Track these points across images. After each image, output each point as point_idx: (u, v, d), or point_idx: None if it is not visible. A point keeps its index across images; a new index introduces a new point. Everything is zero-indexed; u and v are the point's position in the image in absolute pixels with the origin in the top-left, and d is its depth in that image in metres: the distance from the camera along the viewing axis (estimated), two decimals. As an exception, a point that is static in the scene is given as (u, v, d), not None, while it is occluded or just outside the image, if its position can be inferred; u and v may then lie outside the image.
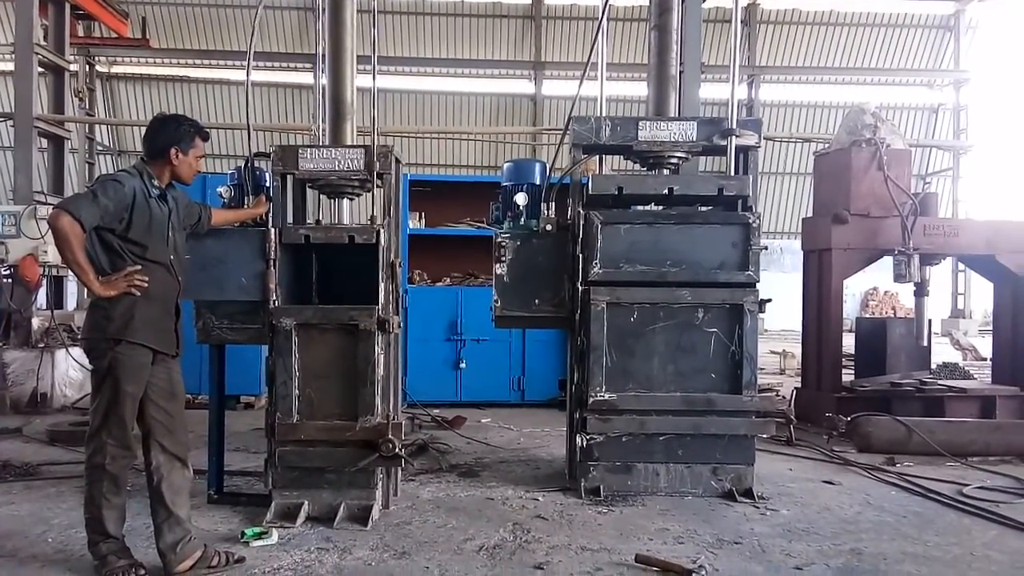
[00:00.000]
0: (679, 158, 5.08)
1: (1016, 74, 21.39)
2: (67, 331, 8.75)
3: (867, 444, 6.00)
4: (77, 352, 8.34)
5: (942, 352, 11.92)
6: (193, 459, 5.15)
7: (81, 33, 17.22)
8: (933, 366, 8.15)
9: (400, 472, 4.72)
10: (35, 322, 8.44)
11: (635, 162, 5.28)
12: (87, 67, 18.36)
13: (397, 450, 4.18)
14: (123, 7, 17.51)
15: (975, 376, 8.50)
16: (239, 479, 4.97)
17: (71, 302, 15.87)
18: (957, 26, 20.72)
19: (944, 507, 4.62)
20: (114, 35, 17.43)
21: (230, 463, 4.93)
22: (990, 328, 8.48)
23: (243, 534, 3.88)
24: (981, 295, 18.62)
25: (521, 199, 5.12)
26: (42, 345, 8.08)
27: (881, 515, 4.46)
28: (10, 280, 8.25)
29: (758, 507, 4.55)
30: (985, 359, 10.94)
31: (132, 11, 18.56)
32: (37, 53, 10.69)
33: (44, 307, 9.43)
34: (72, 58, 13.13)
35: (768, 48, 21.15)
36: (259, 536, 3.84)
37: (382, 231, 4.38)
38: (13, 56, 10.73)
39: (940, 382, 7.41)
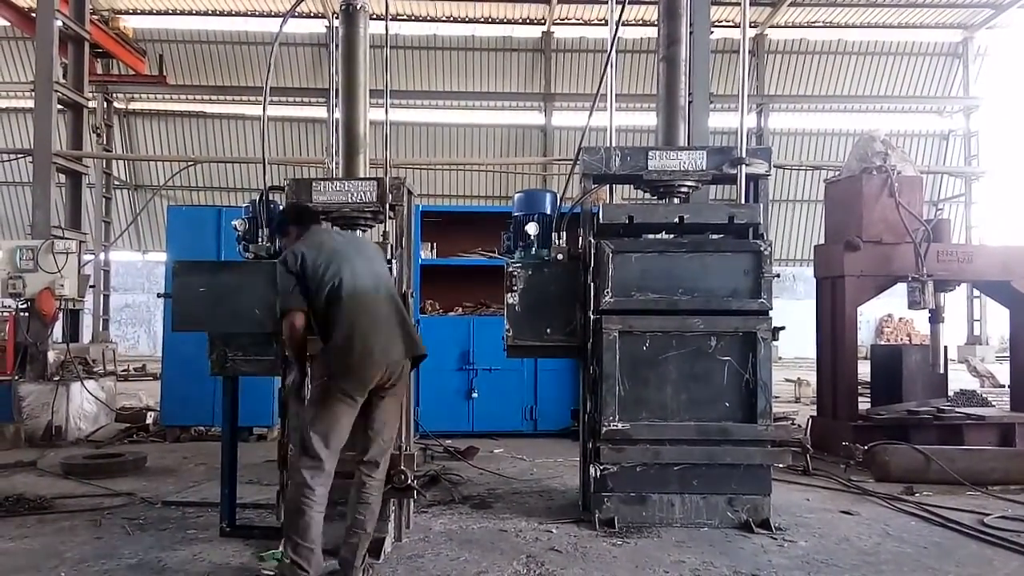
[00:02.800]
0: (689, 187, 5.11)
1: (1026, 100, 21.34)
2: (82, 364, 8.82)
3: (885, 473, 5.92)
4: (92, 385, 8.41)
5: (959, 379, 11.76)
6: (206, 491, 5.18)
7: (100, 71, 17.61)
8: (950, 393, 8.05)
9: (412, 504, 4.68)
10: (51, 355, 8.51)
11: (645, 191, 5.31)
12: (105, 104, 18.72)
13: (409, 481, 4.17)
14: (141, 45, 17.92)
15: (993, 403, 8.38)
16: (251, 512, 4.96)
17: (87, 335, 16.03)
18: (966, 53, 20.82)
19: (965, 537, 4.54)
20: (132, 72, 17.81)
21: (243, 495, 4.93)
22: (1007, 354, 8.37)
23: (261, 558, 3.90)
24: (997, 321, 18.45)
25: (532, 229, 5.15)
26: (57, 378, 8.14)
27: (901, 546, 4.38)
28: (27, 313, 8.34)
29: (775, 538, 4.49)
30: (1003, 386, 10.79)
31: (149, 49, 18.97)
32: (56, 91, 10.90)
33: (60, 340, 9.51)
34: (90, 95, 13.39)
35: (777, 77, 21.30)
36: (276, 559, 3.86)
37: (394, 262, 4.42)
38: (33, 93, 10.94)
39: (958, 410, 7.31)
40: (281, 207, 4.66)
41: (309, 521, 3.55)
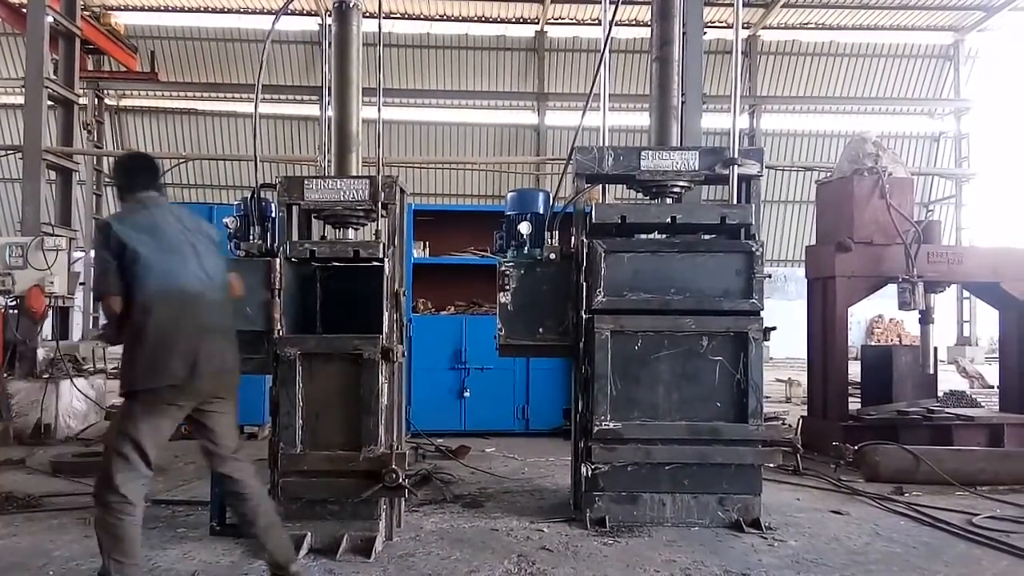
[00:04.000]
0: (682, 187, 5.12)
1: (1017, 102, 21.46)
2: (72, 362, 8.77)
3: (875, 473, 5.95)
4: (82, 383, 8.37)
5: (948, 380, 11.85)
6: (195, 490, 5.16)
7: (91, 67, 17.51)
8: (940, 394, 8.09)
9: (404, 503, 4.68)
10: (40, 353, 8.46)
11: (638, 191, 5.32)
12: (96, 100, 18.64)
13: (401, 480, 4.16)
14: (132, 41, 17.84)
15: (982, 404, 8.44)
16: (242, 510, 4.93)
17: (76, 333, 15.94)
18: (957, 56, 20.94)
19: (954, 537, 4.56)
20: (123, 69, 17.72)
21: (233, 494, 4.90)
22: (996, 355, 8.42)
23: None
24: (987, 322, 18.57)
25: (525, 228, 5.15)
26: (47, 376, 8.08)
27: (890, 546, 4.40)
28: (16, 311, 8.28)
29: (765, 538, 4.50)
30: (992, 387, 10.86)
31: (141, 45, 18.88)
32: (47, 87, 10.85)
33: (49, 338, 9.45)
34: (81, 91, 13.31)
35: (769, 78, 21.37)
36: None
37: (386, 260, 4.41)
38: (23, 90, 10.88)
39: (947, 410, 7.35)
40: (274, 206, 4.64)
41: (132, 539, 3.19)
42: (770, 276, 4.91)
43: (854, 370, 7.79)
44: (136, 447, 3.21)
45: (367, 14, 5.04)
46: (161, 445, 3.32)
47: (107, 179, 19.61)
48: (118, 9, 18.98)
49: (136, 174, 3.53)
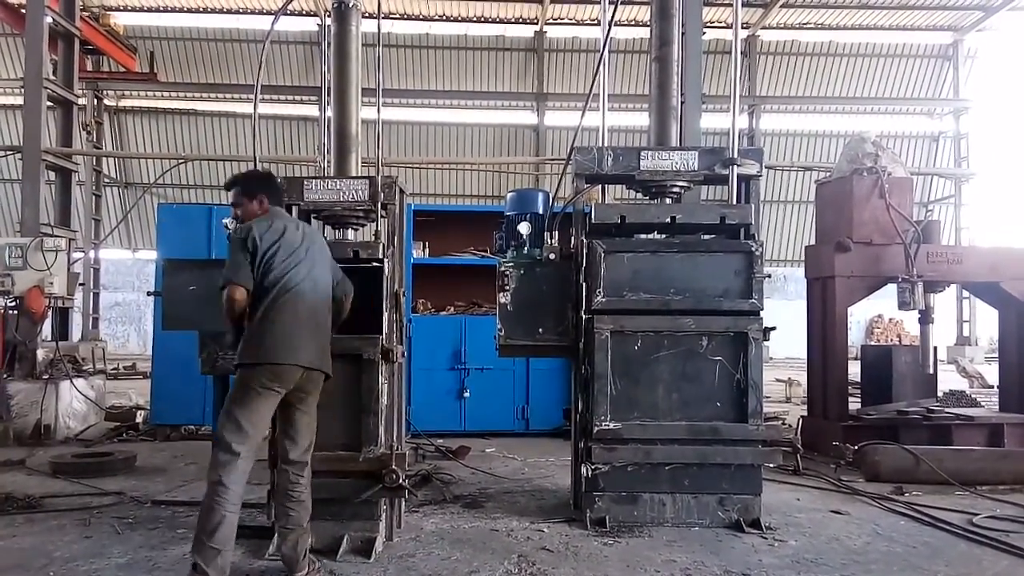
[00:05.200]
0: (681, 187, 5.12)
1: (1016, 102, 21.48)
2: (72, 362, 8.77)
3: (875, 473, 5.95)
4: (82, 384, 8.37)
5: (948, 380, 11.86)
6: (195, 490, 5.15)
7: (90, 68, 17.49)
8: (939, 394, 8.10)
9: (404, 503, 4.68)
10: (40, 354, 8.45)
11: (637, 191, 5.32)
12: (95, 101, 18.60)
13: (401, 481, 4.16)
14: (131, 42, 17.81)
15: (982, 404, 8.45)
16: (241, 511, 4.92)
17: (76, 334, 15.94)
18: (956, 55, 20.94)
19: (954, 537, 4.56)
20: (122, 69, 17.70)
21: (233, 495, 4.90)
22: (996, 355, 8.43)
23: None
24: (987, 322, 18.58)
25: (524, 228, 5.16)
26: (46, 377, 8.08)
27: (891, 546, 4.40)
28: (16, 312, 8.28)
29: (766, 538, 4.50)
30: (992, 386, 10.87)
31: (140, 46, 18.87)
32: (46, 87, 10.84)
33: (49, 339, 9.45)
34: (80, 92, 13.30)
35: (768, 78, 21.37)
36: None
37: (386, 260, 4.41)
38: (23, 90, 10.88)
39: (947, 410, 7.36)
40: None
41: (220, 521, 3.41)
42: (770, 276, 4.91)
43: (854, 370, 7.79)
44: (239, 427, 3.50)
45: (366, 14, 5.04)
46: (262, 429, 3.61)
47: (107, 180, 19.60)
48: (117, 9, 18.97)
49: (275, 189, 4.01)
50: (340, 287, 4.04)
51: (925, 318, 6.98)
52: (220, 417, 3.62)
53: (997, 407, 7.79)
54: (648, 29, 5.54)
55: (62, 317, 9.89)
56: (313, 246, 3.88)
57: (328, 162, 5.03)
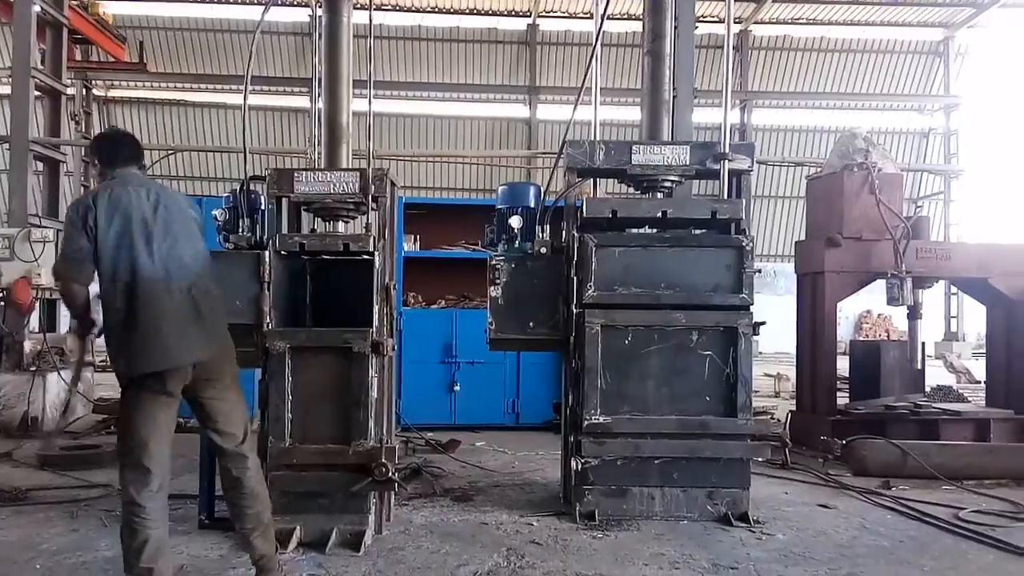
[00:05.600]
0: (673, 182, 5.11)
1: (1005, 99, 21.60)
2: (59, 354, 8.70)
3: (862, 467, 5.98)
4: (68, 375, 8.30)
5: (936, 375, 11.93)
6: (184, 484, 5.14)
7: (79, 57, 17.31)
8: (927, 389, 8.15)
9: (393, 497, 4.67)
10: (27, 345, 8.39)
11: (629, 185, 5.32)
12: (84, 91, 18.44)
13: (390, 474, 4.16)
14: (121, 32, 17.63)
15: (969, 399, 8.50)
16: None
17: (64, 325, 15.82)
18: (946, 52, 21.01)
19: (940, 531, 4.60)
20: (111, 59, 17.54)
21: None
22: (983, 351, 8.48)
23: None
24: (974, 318, 18.66)
25: (516, 222, 5.14)
26: (34, 369, 8.03)
27: (877, 539, 4.43)
28: (2, 303, 8.21)
29: (754, 531, 4.52)
30: (979, 382, 10.95)
31: (130, 35, 18.69)
32: (34, 77, 10.74)
33: (36, 330, 9.37)
34: (69, 82, 13.19)
35: (760, 73, 21.40)
36: None
37: (376, 253, 4.39)
38: (10, 80, 10.77)
39: (934, 405, 7.40)
40: (263, 198, 4.61)
41: (145, 540, 3.11)
42: (760, 271, 4.93)
43: (842, 365, 7.82)
44: (137, 446, 3.17)
45: (358, 5, 5.03)
46: (163, 434, 3.24)
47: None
48: (106, -1, 18.79)
49: (119, 148, 3.45)
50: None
51: (913, 314, 7.02)
52: (118, 433, 3.33)
53: (984, 402, 7.85)
54: (641, 23, 5.53)
55: (49, 309, 9.81)
56: (169, 217, 3.30)
57: (319, 154, 5.01)
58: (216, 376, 3.40)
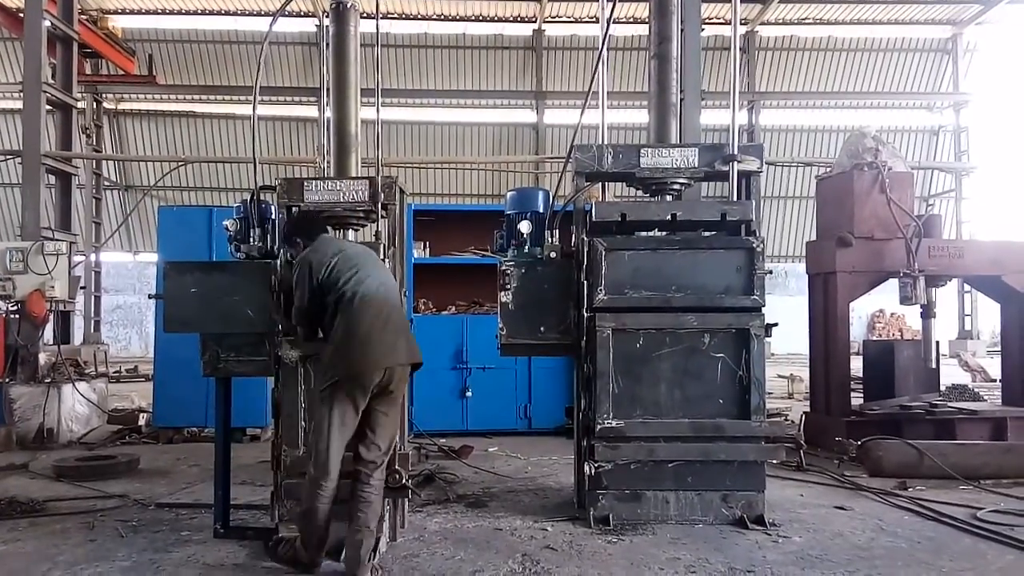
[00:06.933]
0: (681, 184, 5.11)
1: (1016, 95, 21.41)
2: (74, 366, 8.77)
3: (878, 468, 5.94)
4: (84, 387, 8.37)
5: (951, 374, 11.85)
6: (199, 493, 5.16)
7: (89, 71, 17.48)
8: (942, 388, 8.09)
9: (407, 503, 4.68)
10: (42, 357, 8.45)
11: (638, 189, 5.31)
12: (94, 104, 18.59)
13: (404, 481, 4.16)
14: (130, 45, 17.79)
15: (985, 398, 8.45)
16: (245, 513, 4.94)
17: (78, 337, 15.93)
18: (955, 49, 20.89)
19: (958, 532, 4.56)
20: (121, 72, 17.70)
21: (236, 496, 4.91)
22: (998, 349, 8.42)
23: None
24: (989, 316, 18.55)
25: (525, 227, 5.15)
26: (48, 380, 8.09)
27: (895, 541, 4.40)
28: (17, 316, 8.28)
29: (770, 534, 4.50)
30: (994, 380, 10.87)
31: (139, 49, 18.84)
32: (45, 91, 10.84)
33: (51, 342, 9.45)
34: (80, 95, 13.31)
35: (768, 74, 21.32)
36: None
37: (387, 261, 4.41)
38: (22, 94, 10.88)
39: (950, 404, 7.35)
40: (274, 207, 4.64)
41: (316, 510, 3.77)
42: (771, 272, 4.91)
43: (856, 365, 7.79)
44: (325, 450, 3.74)
45: (364, 14, 5.04)
46: (344, 442, 3.81)
47: (107, 183, 19.57)
48: (115, 12, 18.93)
49: (314, 224, 4.26)
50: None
51: (927, 312, 6.98)
52: (312, 436, 3.88)
53: (1000, 401, 7.79)
54: (647, 26, 5.53)
55: (63, 320, 9.89)
56: (371, 255, 4.16)
57: (328, 163, 5.02)
58: (396, 389, 3.92)
